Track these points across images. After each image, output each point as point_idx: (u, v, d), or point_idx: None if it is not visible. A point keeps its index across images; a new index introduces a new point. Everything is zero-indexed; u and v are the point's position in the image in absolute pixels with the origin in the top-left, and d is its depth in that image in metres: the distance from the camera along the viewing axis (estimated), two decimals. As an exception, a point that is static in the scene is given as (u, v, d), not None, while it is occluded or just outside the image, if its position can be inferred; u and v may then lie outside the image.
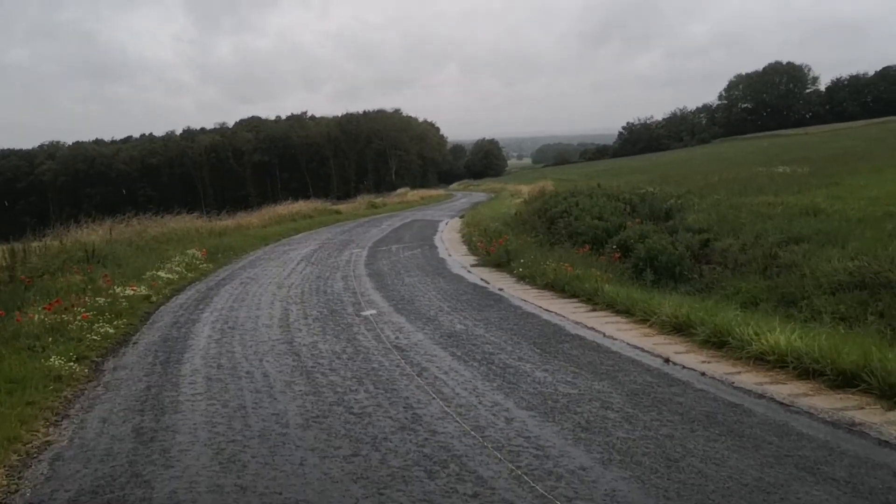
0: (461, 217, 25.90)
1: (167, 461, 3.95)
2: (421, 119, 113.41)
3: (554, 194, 20.85)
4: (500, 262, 12.40)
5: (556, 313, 8.14)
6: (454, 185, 77.81)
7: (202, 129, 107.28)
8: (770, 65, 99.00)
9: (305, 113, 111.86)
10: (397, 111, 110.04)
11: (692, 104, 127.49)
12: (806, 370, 5.18)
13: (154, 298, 9.91)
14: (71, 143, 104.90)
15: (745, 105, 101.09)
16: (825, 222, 11.03)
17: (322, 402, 4.97)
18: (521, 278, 10.96)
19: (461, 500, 3.33)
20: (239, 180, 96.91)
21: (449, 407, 4.76)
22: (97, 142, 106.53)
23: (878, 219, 10.87)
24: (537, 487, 3.41)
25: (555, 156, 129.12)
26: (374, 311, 8.55)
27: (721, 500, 3.25)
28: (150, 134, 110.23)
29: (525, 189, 35.23)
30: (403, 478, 3.59)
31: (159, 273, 11.62)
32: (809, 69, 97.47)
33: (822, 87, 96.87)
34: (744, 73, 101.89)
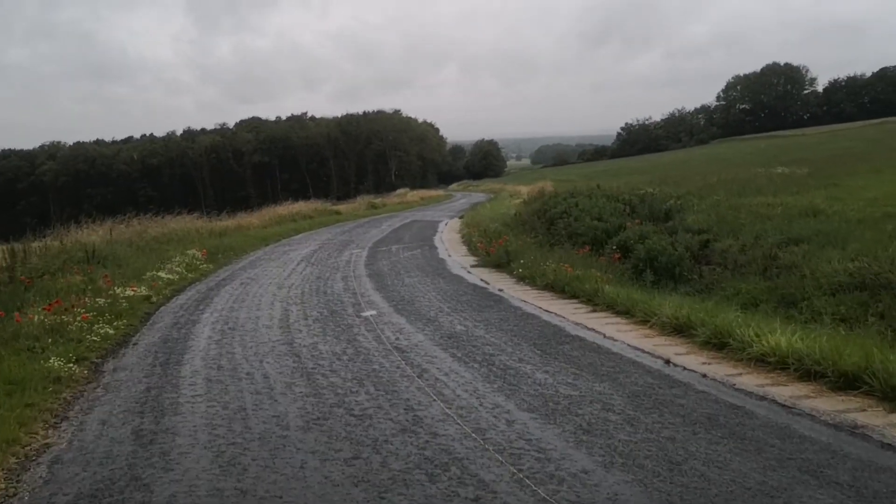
0: (461, 218, 25.88)
1: (167, 464, 3.93)
2: (420, 120, 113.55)
3: (553, 195, 20.85)
4: (500, 263, 12.39)
5: (556, 314, 8.13)
6: (453, 186, 77.80)
7: (202, 130, 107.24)
8: (768, 66, 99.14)
9: (305, 113, 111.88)
10: (397, 112, 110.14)
11: (691, 105, 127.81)
12: (807, 372, 5.17)
13: (154, 299, 9.89)
14: (71, 144, 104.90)
15: (743, 106, 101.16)
16: (825, 223, 11.03)
17: (322, 404, 4.95)
18: (521, 279, 10.95)
19: None
20: (239, 181, 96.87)
21: (450, 409, 4.74)
22: (98, 142, 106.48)
23: (878, 220, 10.88)
24: (539, 491, 3.40)
25: (553, 156, 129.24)
26: (374, 312, 8.53)
27: None
28: (151, 134, 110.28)
29: (524, 190, 35.24)
30: (405, 481, 3.58)
31: (159, 273, 11.60)
32: (807, 70, 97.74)
33: (820, 89, 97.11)
34: (742, 74, 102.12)
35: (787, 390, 4.95)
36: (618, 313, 8.01)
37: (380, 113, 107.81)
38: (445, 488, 3.49)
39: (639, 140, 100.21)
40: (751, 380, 5.24)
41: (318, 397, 5.13)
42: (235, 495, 3.50)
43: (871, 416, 4.33)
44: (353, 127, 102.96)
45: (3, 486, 3.71)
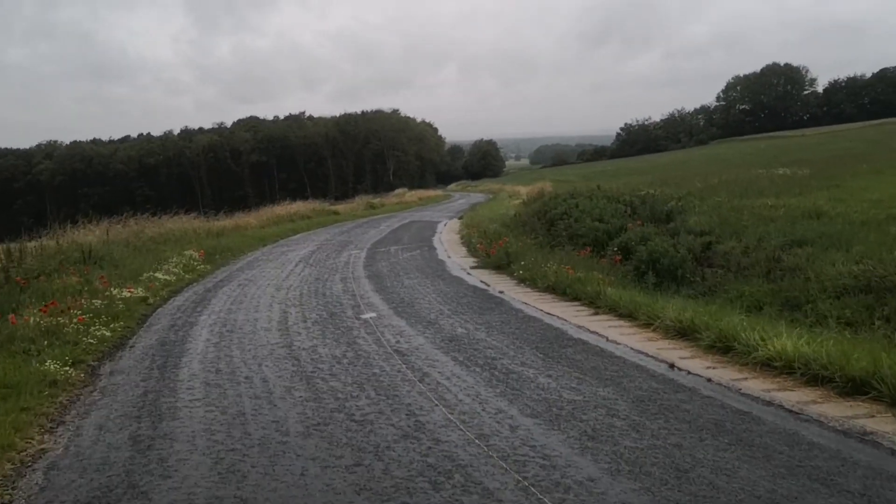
0: (460, 218, 25.82)
1: (165, 471, 3.85)
2: (419, 120, 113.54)
3: (553, 196, 20.78)
4: (500, 265, 12.32)
5: (557, 317, 8.06)
6: (452, 186, 77.75)
7: (200, 129, 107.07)
8: (768, 66, 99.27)
9: (304, 113, 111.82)
10: (395, 112, 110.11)
11: (690, 105, 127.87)
12: (814, 377, 5.11)
13: (151, 300, 9.81)
14: (69, 143, 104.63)
15: (743, 106, 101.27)
16: (828, 225, 10.96)
17: (323, 409, 4.88)
18: (522, 281, 10.88)
19: (467, 512, 3.25)
20: (237, 180, 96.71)
21: (452, 414, 4.67)
22: (95, 141, 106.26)
23: (882, 222, 10.80)
24: (545, 500, 3.33)
25: (552, 156, 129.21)
26: (373, 314, 8.46)
27: (734, 513, 3.17)
28: (148, 134, 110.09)
29: (523, 190, 35.19)
30: (407, 489, 3.50)
31: (156, 274, 11.52)
32: (807, 71, 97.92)
33: (820, 89, 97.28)
34: (742, 75, 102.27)
35: (794, 395, 4.89)
36: (620, 316, 7.94)
37: (378, 113, 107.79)
38: (449, 497, 3.41)
39: (638, 140, 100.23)
40: (757, 384, 5.18)
41: (319, 402, 5.05)
42: (235, 504, 3.43)
43: (881, 423, 4.27)
44: (351, 127, 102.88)
45: (-4, 493, 3.64)
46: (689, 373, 5.58)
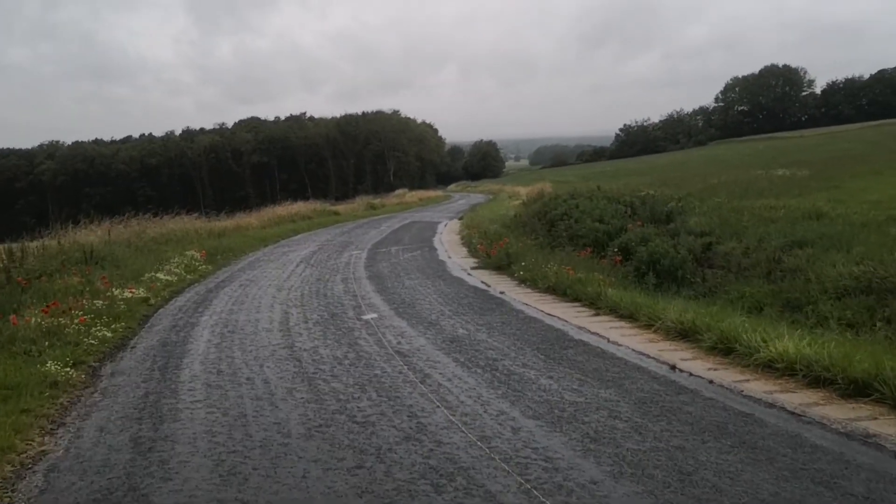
0: (460, 219, 25.82)
1: (166, 473, 3.84)
2: (419, 120, 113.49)
3: (553, 196, 20.78)
4: (501, 265, 12.31)
5: (558, 318, 8.06)
6: (452, 187, 77.75)
7: (201, 130, 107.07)
8: (766, 67, 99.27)
9: (304, 114, 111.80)
10: (396, 112, 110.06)
11: (689, 106, 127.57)
12: (816, 378, 5.10)
13: (153, 301, 9.80)
14: (70, 143, 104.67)
15: (742, 107, 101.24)
16: (828, 226, 10.96)
17: (324, 411, 4.87)
18: (522, 281, 10.87)
19: (469, 515, 3.24)
20: (238, 181, 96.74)
21: (454, 416, 4.66)
22: (97, 142, 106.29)
23: (882, 223, 10.81)
24: (548, 503, 3.32)
25: (552, 157, 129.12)
26: (374, 315, 8.45)
27: (737, 516, 3.16)
28: (150, 134, 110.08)
29: (523, 191, 35.18)
30: (409, 492, 3.50)
31: (158, 275, 11.51)
32: (805, 72, 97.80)
33: (818, 90, 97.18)
34: (740, 76, 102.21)
35: (797, 397, 4.88)
36: (621, 317, 7.93)
37: (378, 113, 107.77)
38: (451, 499, 3.41)
39: (637, 141, 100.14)
40: (759, 386, 5.17)
41: (320, 403, 5.05)
42: (236, 506, 3.42)
43: (884, 425, 4.26)
44: (351, 127, 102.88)
45: (-3, 495, 3.63)
46: (690, 374, 5.57)
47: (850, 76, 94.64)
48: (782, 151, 43.57)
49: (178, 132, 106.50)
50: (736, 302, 8.59)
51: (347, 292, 10.28)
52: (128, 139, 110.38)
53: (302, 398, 5.19)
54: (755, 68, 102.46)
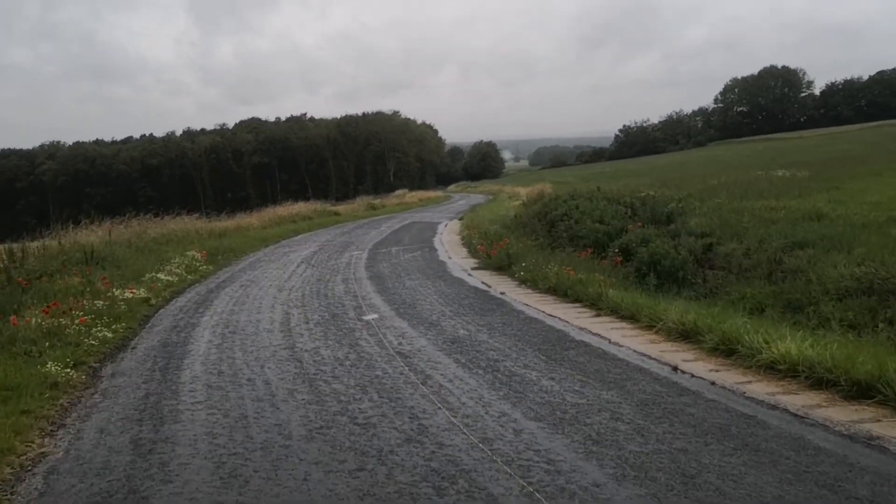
0: (460, 219, 25.81)
1: (166, 475, 3.83)
2: (419, 121, 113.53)
3: (554, 197, 20.77)
4: (501, 266, 12.30)
5: (559, 318, 8.04)
6: (452, 187, 77.75)
7: (202, 130, 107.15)
8: (765, 68, 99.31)
9: (305, 114, 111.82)
10: (396, 113, 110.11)
11: (688, 107, 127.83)
12: (819, 380, 5.08)
13: (153, 301, 9.78)
14: (71, 144, 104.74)
15: (741, 108, 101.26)
16: (829, 227, 10.93)
17: (325, 412, 4.85)
18: (523, 282, 10.86)
19: (472, 518, 3.23)
20: (239, 181, 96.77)
21: (455, 417, 4.65)
22: (97, 142, 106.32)
23: (882, 224, 10.78)
24: (550, 505, 3.30)
25: (551, 158, 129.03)
26: (375, 316, 8.44)
27: (741, 519, 3.15)
28: (151, 134, 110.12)
29: (523, 191, 35.16)
30: (411, 495, 3.48)
31: (159, 275, 11.50)
32: (804, 73, 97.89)
33: (817, 91, 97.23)
34: (739, 77, 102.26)
35: (799, 399, 4.86)
36: (622, 318, 7.91)
37: (379, 114, 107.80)
38: (454, 503, 3.39)
39: (636, 142, 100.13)
40: (761, 388, 5.15)
41: (321, 405, 5.03)
42: (237, 509, 3.40)
43: (887, 427, 4.24)
44: (352, 128, 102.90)
45: (-3, 497, 3.61)
46: (692, 376, 5.56)
47: (849, 77, 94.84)
48: (781, 152, 43.59)
49: (178, 133, 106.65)
50: (737, 303, 8.57)
51: (348, 293, 10.26)
52: (128, 139, 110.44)
53: (303, 399, 5.17)
54: (754, 69, 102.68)
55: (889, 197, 13.68)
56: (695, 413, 4.63)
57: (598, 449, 4.02)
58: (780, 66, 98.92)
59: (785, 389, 5.10)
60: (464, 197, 53.38)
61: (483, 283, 10.98)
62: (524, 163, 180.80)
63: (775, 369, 5.45)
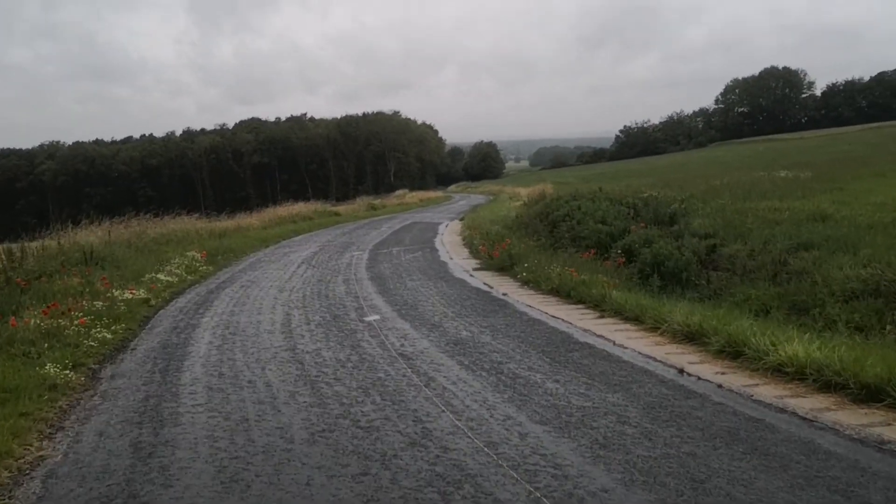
0: (461, 220, 25.74)
1: (166, 480, 3.76)
2: (419, 121, 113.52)
3: (555, 198, 20.70)
4: (503, 266, 12.24)
5: (562, 320, 7.98)
6: (452, 188, 77.74)
7: (202, 130, 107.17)
8: (766, 69, 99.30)
9: (305, 115, 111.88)
10: (396, 113, 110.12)
11: (689, 108, 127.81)
12: (827, 383, 5.01)
13: (153, 302, 9.72)
14: (71, 144, 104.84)
15: (742, 109, 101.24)
16: (834, 228, 10.87)
17: (328, 415, 4.79)
18: (525, 283, 10.79)
19: (478, 524, 3.16)
20: (239, 181, 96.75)
21: (459, 420, 4.58)
22: (97, 142, 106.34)
23: (888, 225, 10.72)
24: (558, 511, 3.24)
25: (552, 159, 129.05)
26: (377, 317, 8.37)
27: (753, 525, 3.08)
28: (151, 135, 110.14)
29: (523, 192, 35.09)
30: (416, 500, 3.41)
31: (158, 275, 11.44)
32: (805, 74, 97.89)
33: (818, 92, 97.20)
34: (740, 78, 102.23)
35: (808, 402, 4.79)
36: (626, 319, 7.85)
37: (379, 114, 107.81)
38: (459, 508, 3.32)
39: (637, 143, 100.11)
40: (769, 391, 5.09)
41: (323, 407, 4.97)
42: (239, 514, 3.34)
43: (898, 431, 4.17)
44: (352, 128, 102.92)
45: (-6, 502, 3.55)
46: (699, 378, 5.49)
47: (849, 78, 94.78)
48: (783, 153, 43.52)
49: (178, 133, 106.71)
50: (742, 304, 8.50)
51: (349, 293, 10.20)
52: (128, 140, 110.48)
53: (305, 402, 5.11)
54: (755, 70, 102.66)
55: (893, 198, 13.60)
56: (702, 416, 4.56)
57: (606, 453, 3.96)
58: (780, 67, 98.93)
59: (793, 392, 5.03)
60: (464, 197, 53.33)
61: (485, 283, 10.92)
62: (524, 163, 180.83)
63: (783, 372, 5.38)
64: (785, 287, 8.75)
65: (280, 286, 11.14)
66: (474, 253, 15.02)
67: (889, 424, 4.31)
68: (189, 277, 12.22)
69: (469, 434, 4.32)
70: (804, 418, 4.48)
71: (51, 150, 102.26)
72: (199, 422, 4.74)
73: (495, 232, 17.11)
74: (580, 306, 8.85)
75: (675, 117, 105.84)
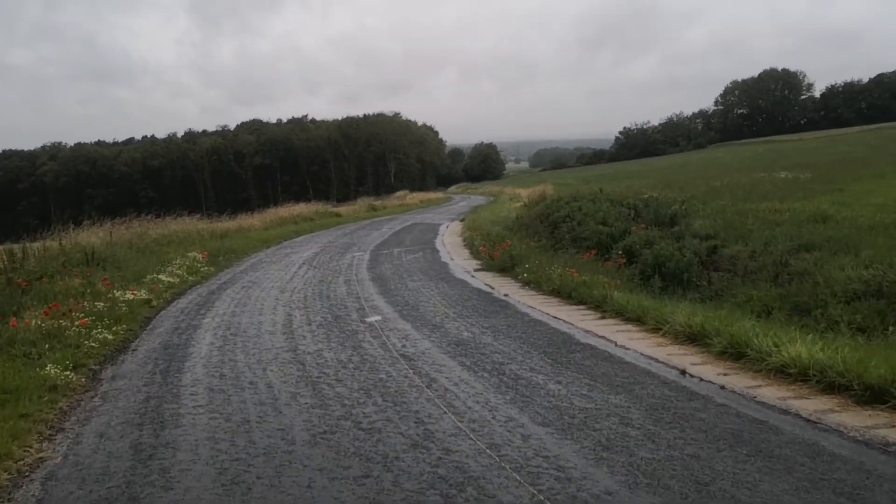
0: (461, 220, 25.72)
1: (167, 482, 3.74)
2: (420, 123, 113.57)
3: (556, 199, 20.69)
4: (504, 267, 12.22)
5: (564, 321, 7.96)
6: (452, 189, 77.73)
7: (204, 132, 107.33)
8: (765, 71, 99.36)
9: (306, 116, 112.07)
10: (397, 115, 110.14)
11: (689, 109, 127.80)
12: (830, 384, 4.99)
13: (154, 303, 9.71)
14: (73, 145, 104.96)
15: (741, 111, 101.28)
16: (835, 229, 10.85)
17: (329, 416, 4.77)
18: (526, 284, 10.77)
19: (481, 526, 3.14)
20: (240, 182, 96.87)
21: (462, 422, 4.56)
22: (99, 143, 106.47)
23: (889, 226, 10.70)
24: (562, 514, 3.22)
25: (552, 160, 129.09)
26: (378, 318, 8.36)
27: (758, 528, 3.06)
28: (152, 136, 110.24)
29: (524, 193, 35.06)
30: (419, 503, 3.39)
31: (160, 276, 11.43)
32: (804, 76, 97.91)
33: (817, 94, 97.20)
34: (740, 80, 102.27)
35: (811, 404, 4.77)
36: (628, 320, 7.83)
37: (380, 116, 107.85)
38: (462, 510, 3.30)
39: (637, 144, 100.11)
40: (772, 392, 5.07)
41: (325, 409, 4.95)
42: (240, 517, 3.32)
43: (903, 433, 4.15)
44: (353, 129, 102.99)
45: (-6, 504, 3.53)
46: (701, 380, 5.47)
47: (848, 80, 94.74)
48: (782, 154, 43.48)
49: (180, 134, 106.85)
50: (743, 305, 8.48)
51: (350, 294, 10.18)
52: (130, 141, 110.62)
53: (306, 403, 5.09)
54: (754, 72, 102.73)
55: (894, 199, 13.58)
56: (705, 418, 4.54)
57: (609, 455, 3.94)
58: (780, 69, 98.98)
59: (796, 394, 5.01)
60: (464, 198, 53.32)
61: (486, 284, 10.90)
62: (524, 164, 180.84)
63: (785, 373, 5.36)
64: (786, 288, 8.72)
65: (281, 287, 11.12)
66: (475, 254, 15.00)
67: (894, 426, 4.29)
68: (190, 278, 12.21)
69: (471, 436, 4.30)
70: (808, 420, 4.46)
71: (52, 152, 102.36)
72: (200, 423, 4.72)
73: (496, 233, 17.10)
74: (581, 307, 8.83)
75: (675, 119, 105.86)
